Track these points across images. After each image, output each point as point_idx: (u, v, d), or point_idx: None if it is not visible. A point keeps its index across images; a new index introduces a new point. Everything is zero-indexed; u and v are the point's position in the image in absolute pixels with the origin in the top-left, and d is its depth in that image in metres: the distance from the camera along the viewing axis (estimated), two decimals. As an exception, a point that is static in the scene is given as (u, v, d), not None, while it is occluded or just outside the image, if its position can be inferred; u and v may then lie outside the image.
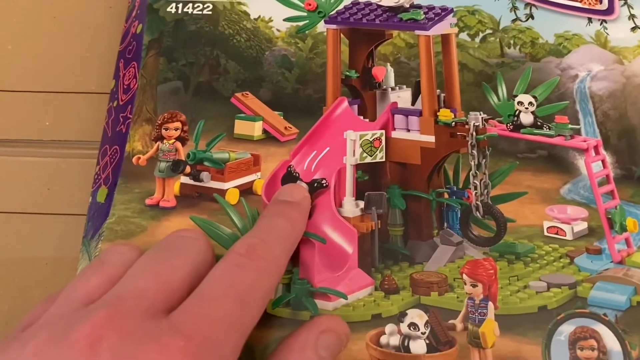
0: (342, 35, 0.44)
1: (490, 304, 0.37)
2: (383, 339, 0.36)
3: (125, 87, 0.44)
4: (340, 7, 0.46)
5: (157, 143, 0.41)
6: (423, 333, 0.36)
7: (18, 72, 0.51)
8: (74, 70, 0.51)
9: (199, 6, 0.46)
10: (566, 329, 0.37)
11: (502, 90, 0.43)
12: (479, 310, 0.37)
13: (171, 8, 0.45)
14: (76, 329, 0.27)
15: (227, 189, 0.40)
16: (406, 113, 0.42)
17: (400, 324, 0.36)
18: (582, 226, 0.40)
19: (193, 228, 0.37)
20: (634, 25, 0.46)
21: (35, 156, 0.49)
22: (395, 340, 0.36)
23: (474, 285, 0.38)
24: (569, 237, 0.40)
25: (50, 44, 0.52)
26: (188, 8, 0.45)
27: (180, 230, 0.34)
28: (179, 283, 0.30)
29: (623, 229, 0.40)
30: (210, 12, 0.45)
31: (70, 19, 0.53)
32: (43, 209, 0.47)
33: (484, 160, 0.41)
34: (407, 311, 0.37)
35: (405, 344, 0.36)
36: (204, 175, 0.40)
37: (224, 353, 0.28)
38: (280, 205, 0.37)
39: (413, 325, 0.36)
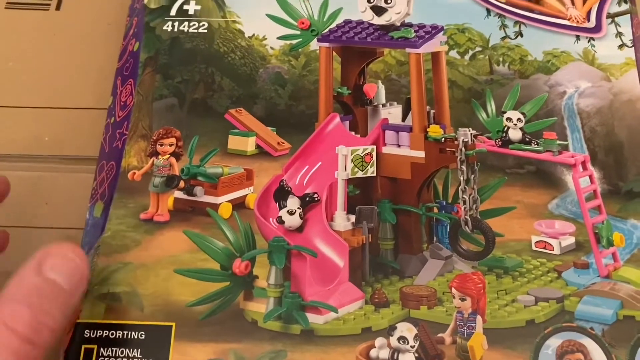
0: (334, 53, 0.45)
1: (479, 317, 0.38)
2: (373, 352, 0.37)
3: (122, 103, 0.45)
4: (333, 25, 0.47)
5: (152, 159, 0.42)
6: (412, 346, 0.37)
7: (18, 88, 0.52)
8: (72, 87, 0.52)
9: (194, 24, 0.47)
10: (553, 342, 0.37)
11: (491, 106, 0.44)
12: (468, 324, 0.38)
13: (167, 26, 0.47)
14: None
15: (220, 204, 0.40)
16: (397, 129, 0.43)
17: (390, 337, 0.37)
18: (569, 241, 0.41)
19: None
20: (620, 43, 0.47)
21: (34, 171, 0.49)
22: (385, 354, 0.37)
23: (462, 299, 0.38)
24: (556, 251, 0.40)
25: (49, 61, 0.53)
26: (184, 26, 0.47)
27: None
28: None
29: (610, 243, 0.40)
30: (205, 31, 0.46)
31: (70, 36, 0.54)
32: (42, 223, 0.48)
33: (473, 175, 0.42)
34: (396, 325, 0.37)
35: (395, 357, 0.36)
36: (198, 190, 0.41)
37: None
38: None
39: (402, 338, 0.37)
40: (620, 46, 0.47)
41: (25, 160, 0.49)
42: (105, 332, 0.37)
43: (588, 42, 0.47)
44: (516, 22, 0.47)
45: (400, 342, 0.37)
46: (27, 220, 0.48)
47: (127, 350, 0.36)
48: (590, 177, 0.42)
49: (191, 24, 0.47)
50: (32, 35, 0.55)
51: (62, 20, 0.55)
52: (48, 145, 0.50)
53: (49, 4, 0.56)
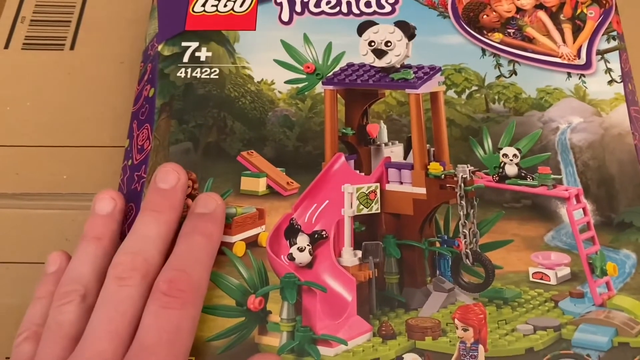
0: (338, 95, 0.48)
1: (481, 347, 0.40)
2: (381, 382, 0.39)
3: (139, 147, 0.48)
4: (337, 68, 0.49)
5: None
6: (418, 376, 0.39)
7: (36, 128, 0.54)
8: (88, 124, 0.54)
9: (206, 71, 0.50)
10: (552, 369, 0.39)
11: (488, 143, 0.46)
12: (470, 353, 0.40)
13: (181, 73, 0.49)
14: None
15: (235, 242, 0.43)
16: (399, 167, 0.46)
17: (397, 367, 0.39)
18: (565, 271, 0.43)
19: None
20: (610, 79, 0.50)
21: (53, 208, 0.51)
22: (393, 383, 0.39)
23: (465, 330, 0.40)
24: (553, 282, 0.42)
25: (65, 100, 0.55)
26: (197, 73, 0.49)
27: (116, 268, 0.38)
28: (127, 332, 0.36)
29: (604, 273, 0.42)
30: (217, 77, 0.49)
31: (84, 74, 0.56)
32: None
33: (472, 210, 0.44)
34: (403, 355, 0.39)
35: (402, 386, 0.39)
36: (213, 230, 0.43)
37: None
38: (195, 220, 0.41)
39: (409, 368, 0.39)
40: (610, 82, 0.49)
41: (44, 199, 0.51)
42: (129, 368, 0.39)
43: (579, 78, 0.49)
44: (510, 61, 0.50)
45: (407, 372, 0.39)
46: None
47: (150, 384, 0.39)
48: (584, 209, 0.44)
49: (203, 69, 0.50)
50: (47, 75, 0.57)
51: (76, 60, 0.58)
52: (66, 183, 0.52)
53: (64, 44, 0.58)
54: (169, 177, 0.42)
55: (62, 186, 0.51)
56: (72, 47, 0.58)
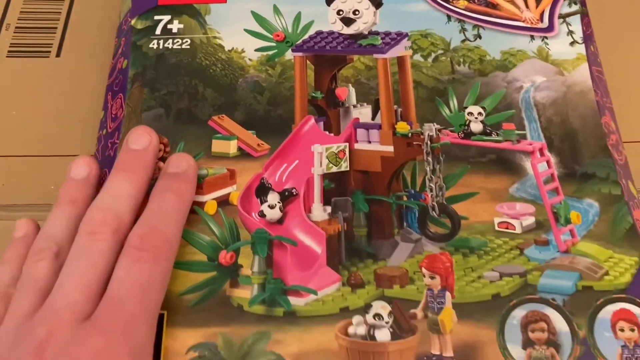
0: (307, 61, 0.49)
1: (448, 293, 0.41)
2: (351, 329, 0.40)
3: (113, 116, 0.48)
4: (306, 36, 0.51)
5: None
6: (387, 322, 0.39)
7: (22, 137, 0.52)
8: (76, 133, 0.52)
9: (178, 41, 0.51)
10: (518, 313, 0.40)
11: (454, 103, 0.48)
12: (438, 300, 0.40)
13: (153, 44, 0.50)
14: (22, 347, 0.34)
15: (206, 201, 0.44)
16: (367, 127, 0.47)
17: (366, 315, 0.40)
18: (530, 220, 0.44)
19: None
20: (572, 40, 0.51)
21: (42, 219, 0.47)
22: (362, 330, 0.39)
23: (432, 277, 0.41)
24: (518, 230, 0.43)
25: (52, 108, 0.54)
26: (168, 44, 0.50)
27: (88, 224, 0.39)
28: (98, 285, 0.37)
29: (568, 221, 0.43)
30: (188, 47, 0.50)
31: (70, 82, 0.55)
32: None
33: (439, 165, 0.45)
34: (372, 303, 0.40)
35: (371, 333, 0.39)
36: (185, 190, 0.44)
37: (138, 342, 0.35)
38: (168, 179, 0.42)
39: (378, 315, 0.40)
40: (572, 43, 0.51)
41: (32, 210, 0.49)
42: (103, 323, 0.40)
43: (542, 40, 0.51)
44: (475, 26, 0.51)
45: (376, 319, 0.39)
46: None
47: (123, 338, 0.39)
48: (548, 162, 0.45)
49: (175, 40, 0.51)
50: (33, 83, 0.55)
51: (63, 67, 0.56)
52: (54, 194, 0.48)
53: (50, 51, 0.57)
54: (141, 139, 0.43)
55: (50, 197, 0.48)
56: (58, 54, 0.57)
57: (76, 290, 0.36)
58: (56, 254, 0.39)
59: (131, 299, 0.36)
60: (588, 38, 0.51)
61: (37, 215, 0.48)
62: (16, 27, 0.59)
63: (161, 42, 0.51)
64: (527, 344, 0.39)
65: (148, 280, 0.37)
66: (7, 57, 0.57)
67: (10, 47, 0.58)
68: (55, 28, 0.59)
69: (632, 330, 0.40)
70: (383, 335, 0.39)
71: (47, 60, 0.57)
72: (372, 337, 0.39)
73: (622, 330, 0.40)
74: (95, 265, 0.37)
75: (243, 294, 0.41)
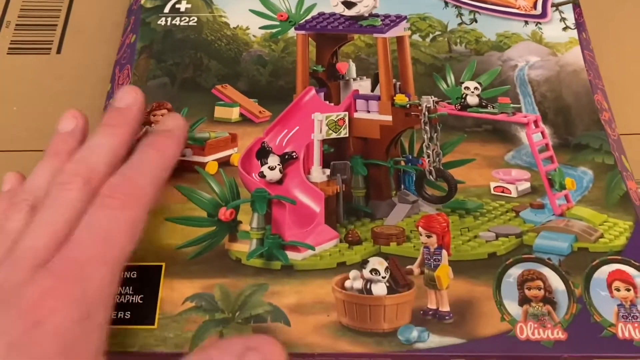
0: (310, 38, 0.51)
1: (444, 251, 0.41)
2: (347, 283, 0.40)
3: (119, 85, 0.50)
4: (308, 17, 0.52)
5: (146, 127, 0.46)
6: (383, 277, 0.40)
7: (23, 133, 0.52)
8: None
9: (185, 19, 0.53)
10: (514, 272, 0.40)
11: (451, 78, 0.49)
12: (434, 257, 0.41)
13: (161, 21, 0.52)
14: None
15: (207, 162, 0.44)
16: (366, 98, 0.48)
17: (363, 270, 0.40)
18: (525, 185, 0.44)
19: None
20: (564, 26, 0.53)
21: None
22: (358, 284, 0.40)
23: (428, 236, 0.41)
24: (514, 194, 0.44)
25: (52, 104, 0.54)
26: (176, 21, 0.52)
27: (59, 175, 0.38)
28: (64, 233, 0.36)
29: (562, 187, 0.44)
30: (195, 24, 0.52)
31: (71, 78, 0.55)
32: None
33: (436, 134, 0.46)
34: (369, 259, 0.40)
35: (368, 287, 0.39)
36: (187, 151, 0.45)
37: (92, 286, 0.34)
38: (154, 136, 0.41)
39: (374, 270, 0.40)
40: (565, 28, 0.53)
41: None
42: (101, 273, 0.40)
43: (536, 25, 0.53)
44: (471, 11, 0.53)
45: (373, 273, 0.40)
46: None
47: (120, 288, 0.39)
48: (542, 133, 0.46)
49: (182, 18, 0.53)
50: (34, 80, 0.55)
51: (64, 64, 0.56)
52: None
53: (50, 48, 0.57)
54: (126, 97, 0.42)
55: None
56: (58, 51, 0.57)
57: (40, 237, 0.35)
58: (32, 206, 0.38)
59: (90, 243, 0.35)
60: (580, 26, 0.53)
61: None
62: (17, 25, 0.59)
63: (169, 19, 0.53)
64: (524, 300, 0.39)
65: (111, 226, 0.36)
66: (7, 54, 0.57)
67: (10, 44, 0.58)
68: (56, 25, 0.59)
69: (628, 290, 0.40)
70: (379, 289, 0.39)
71: (48, 57, 0.57)
72: (369, 291, 0.39)
73: (617, 289, 0.40)
74: (63, 213, 0.36)
75: (241, 248, 0.41)
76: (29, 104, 0.54)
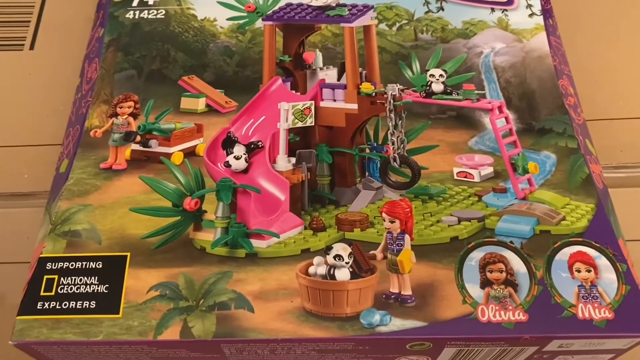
0: (277, 29, 0.51)
1: (407, 236, 0.41)
2: (311, 269, 0.40)
3: (87, 79, 0.50)
4: (276, 7, 0.53)
5: (112, 119, 0.46)
6: (347, 263, 0.40)
7: None
8: (48, 124, 0.52)
9: (153, 12, 0.53)
10: (476, 255, 0.41)
11: (416, 66, 0.49)
12: (397, 242, 0.41)
13: (129, 15, 0.52)
14: None
15: (173, 153, 0.45)
16: (333, 87, 0.48)
17: (327, 256, 0.40)
18: (488, 170, 0.45)
19: None
20: (531, 13, 0.53)
21: (14, 207, 0.49)
22: (322, 270, 0.40)
23: (392, 222, 0.42)
24: (476, 179, 0.44)
25: (25, 99, 0.54)
26: (144, 14, 0.53)
27: None
28: None
29: (525, 171, 0.44)
30: (163, 17, 0.52)
31: (44, 74, 0.55)
32: (23, 258, 0.46)
33: (400, 121, 0.46)
34: (332, 245, 0.41)
35: (332, 272, 0.40)
36: (152, 142, 0.45)
37: None
38: None
39: (338, 256, 0.40)
40: (531, 15, 0.53)
41: (5, 198, 0.50)
42: (66, 264, 0.40)
43: (502, 12, 0.53)
44: (438, 0, 0.54)
45: (336, 259, 0.40)
46: (10, 255, 0.48)
47: (86, 278, 0.40)
48: (506, 118, 0.47)
49: (150, 11, 0.53)
50: (7, 76, 0.56)
51: (37, 60, 0.56)
52: (27, 183, 0.50)
53: (23, 45, 0.57)
54: None
55: (23, 185, 0.50)
56: (32, 47, 0.57)
57: None
58: None
59: None
60: (547, 12, 0.54)
61: (11, 204, 0.49)
62: None
63: (137, 12, 0.53)
64: (486, 283, 0.40)
65: None
66: (-21, 50, 0.56)
67: (-17, 40, 0.57)
68: (29, 21, 0.59)
69: (589, 271, 0.40)
70: (342, 274, 0.40)
71: (21, 53, 0.57)
72: (332, 277, 0.40)
73: (578, 271, 0.40)
74: None
75: (206, 237, 0.42)
76: (2, 100, 0.54)
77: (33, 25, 0.59)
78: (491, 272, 0.40)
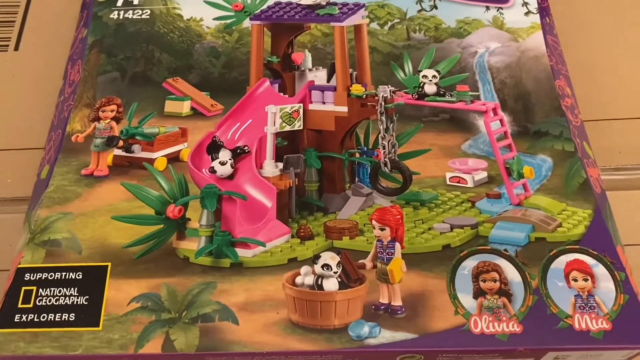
0: (265, 28, 0.50)
1: (397, 244, 0.40)
2: (298, 279, 0.39)
3: (70, 82, 0.49)
4: (264, 7, 0.51)
5: (94, 123, 0.45)
6: (335, 272, 0.39)
7: None
8: (33, 127, 0.50)
9: (138, 12, 0.51)
10: (469, 264, 0.39)
11: (408, 67, 0.48)
12: (387, 251, 0.40)
13: (114, 15, 0.51)
14: None
15: (156, 158, 0.43)
16: (322, 89, 0.47)
17: (315, 265, 0.39)
18: (482, 175, 0.44)
19: None
20: (527, 11, 0.52)
21: None
22: (309, 280, 0.39)
23: (382, 229, 0.40)
24: (470, 184, 0.43)
25: (10, 102, 0.52)
26: (128, 14, 0.51)
27: None
28: None
29: (520, 175, 0.43)
30: (148, 17, 0.51)
31: (29, 75, 0.54)
32: (6, 266, 0.43)
33: (392, 124, 0.45)
34: (320, 254, 0.39)
35: (319, 282, 0.38)
36: (135, 147, 0.44)
37: None
38: None
39: (326, 265, 0.39)
40: (527, 13, 0.52)
41: None
42: (45, 275, 0.39)
43: (497, 11, 0.52)
44: (431, -2, 0.52)
45: (324, 269, 0.39)
46: None
47: (65, 289, 0.38)
48: (501, 121, 0.45)
49: (135, 11, 0.51)
50: None
51: (21, 61, 0.55)
52: (11, 188, 0.48)
53: (8, 45, 0.56)
54: None
55: (7, 190, 0.48)
56: (16, 48, 0.56)
57: None
58: None
59: None
60: (544, 10, 0.52)
61: None
62: None
63: (122, 12, 0.51)
64: (479, 293, 0.38)
65: None
66: (-37, 50, 0.55)
67: (-33, 42, 0.56)
68: (14, 22, 0.57)
69: (586, 280, 0.39)
70: (331, 284, 0.38)
71: (5, 54, 0.55)
72: (320, 287, 0.38)
73: (575, 280, 0.39)
74: None
75: (190, 246, 0.40)
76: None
77: (18, 25, 0.57)
78: (484, 281, 0.39)
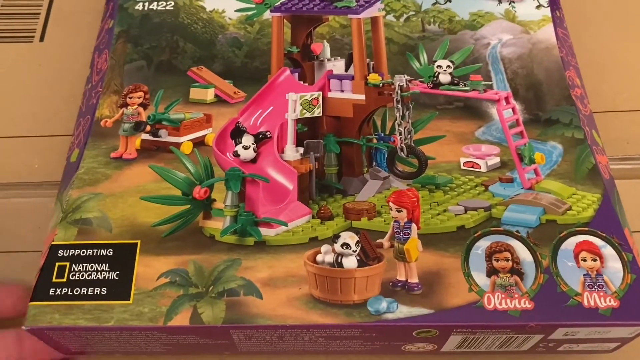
0: (285, 20, 0.51)
1: (414, 225, 0.41)
2: (319, 257, 0.41)
3: (97, 70, 0.51)
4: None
5: (122, 109, 0.47)
6: (354, 251, 0.40)
7: (7, 119, 0.53)
8: (59, 114, 0.53)
9: (162, 3, 0.53)
10: (483, 244, 0.41)
11: (423, 57, 0.50)
12: (404, 231, 0.41)
13: (138, 6, 0.53)
14: None
15: (182, 142, 0.45)
16: (340, 78, 0.48)
17: (334, 244, 0.41)
18: (495, 160, 0.45)
19: None
20: (538, 4, 0.53)
21: (25, 197, 0.50)
22: (329, 258, 0.40)
23: (399, 211, 0.42)
24: (483, 169, 0.45)
25: (36, 91, 0.54)
26: (153, 5, 0.53)
27: None
28: None
29: (532, 161, 0.45)
30: (172, 8, 0.53)
31: (54, 65, 0.56)
32: (35, 247, 0.46)
33: (408, 112, 0.47)
34: (340, 233, 0.41)
35: (339, 260, 0.40)
36: (162, 131, 0.46)
37: None
38: None
39: (345, 244, 0.40)
40: (538, 7, 0.53)
41: (16, 188, 0.50)
42: (77, 251, 0.41)
43: (509, 4, 0.53)
44: (445, -9, 0.54)
45: (344, 247, 0.40)
46: (22, 245, 0.48)
47: (97, 265, 0.40)
48: (513, 109, 0.47)
49: (159, 3, 0.53)
50: (18, 67, 0.56)
51: (47, 51, 0.57)
52: (38, 173, 0.50)
53: (33, 36, 0.58)
54: None
55: (34, 175, 0.51)
56: (41, 39, 0.58)
57: None
58: None
59: None
60: (554, 4, 0.54)
61: (22, 193, 0.49)
62: (0, 14, 0.59)
63: (146, 4, 0.53)
64: (492, 272, 0.40)
65: None
66: (-10, 42, 0.57)
67: (-6, 32, 0.58)
68: (39, 13, 0.59)
69: (594, 260, 0.40)
70: (350, 262, 0.40)
71: (31, 45, 0.57)
72: (340, 265, 0.40)
73: (584, 260, 0.41)
74: None
75: (215, 225, 0.42)
76: (12, 91, 0.55)
77: (43, 17, 0.60)
78: (497, 260, 0.41)
